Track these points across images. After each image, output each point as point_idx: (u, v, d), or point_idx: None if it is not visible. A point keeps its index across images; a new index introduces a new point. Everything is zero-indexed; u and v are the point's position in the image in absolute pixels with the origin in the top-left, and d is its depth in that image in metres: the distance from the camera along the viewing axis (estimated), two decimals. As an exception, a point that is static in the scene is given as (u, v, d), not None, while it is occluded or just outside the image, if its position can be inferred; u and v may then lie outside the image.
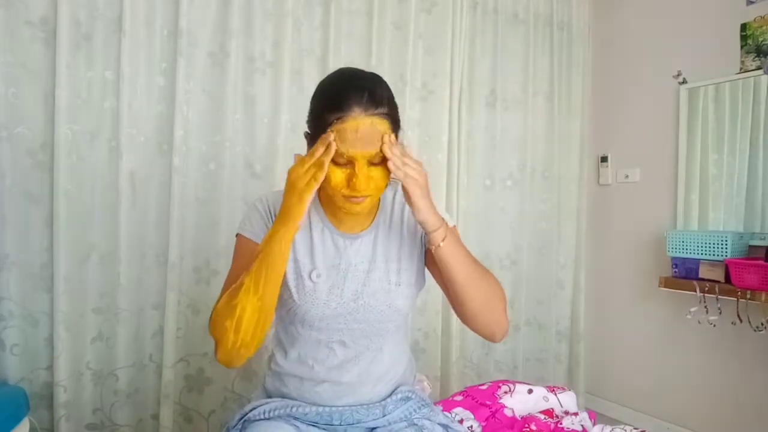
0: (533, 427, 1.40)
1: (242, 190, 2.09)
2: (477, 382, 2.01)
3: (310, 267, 1.11)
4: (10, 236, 1.75)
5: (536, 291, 2.81)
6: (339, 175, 0.99)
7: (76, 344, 1.85)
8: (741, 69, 2.30)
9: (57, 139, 1.77)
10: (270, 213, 1.14)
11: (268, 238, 0.99)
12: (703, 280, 2.25)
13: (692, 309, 2.33)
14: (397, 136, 1.05)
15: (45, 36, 1.77)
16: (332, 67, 2.16)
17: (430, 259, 1.17)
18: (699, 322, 2.36)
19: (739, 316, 2.18)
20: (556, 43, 2.81)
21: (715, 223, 2.43)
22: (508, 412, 1.47)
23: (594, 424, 1.47)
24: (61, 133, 1.77)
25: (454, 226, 1.17)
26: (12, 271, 1.75)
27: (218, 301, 1.05)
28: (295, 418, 1.11)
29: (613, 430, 1.39)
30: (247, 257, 1.07)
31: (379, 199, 1.17)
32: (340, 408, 1.11)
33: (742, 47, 2.30)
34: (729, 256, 2.16)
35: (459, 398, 1.53)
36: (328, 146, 0.96)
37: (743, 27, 2.29)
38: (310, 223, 1.14)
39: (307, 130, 1.09)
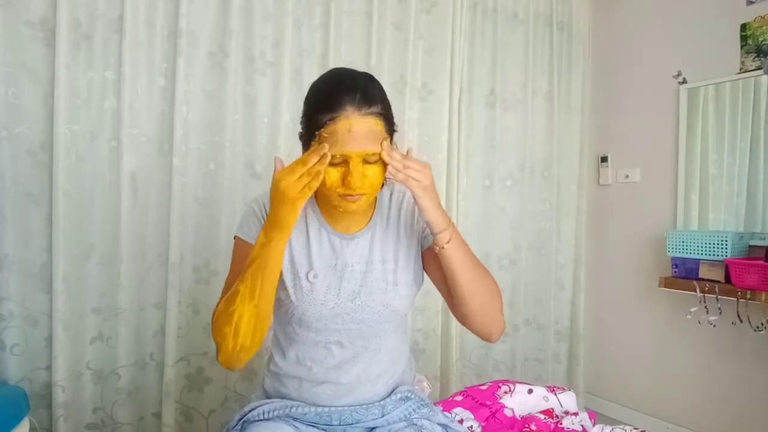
0: (533, 427, 1.40)
1: (242, 190, 2.09)
2: (476, 382, 2.02)
3: (307, 267, 1.11)
4: (10, 236, 1.75)
5: (535, 291, 2.80)
6: (334, 175, 0.99)
7: (75, 344, 1.85)
8: (741, 69, 2.30)
9: (57, 139, 1.76)
10: (266, 215, 1.13)
11: (261, 245, 0.99)
12: (703, 280, 2.25)
13: (692, 309, 2.33)
14: (391, 135, 1.05)
15: (45, 36, 1.77)
16: (332, 66, 2.16)
17: (427, 260, 1.17)
18: (699, 322, 2.36)
19: (739, 316, 2.18)
20: (555, 43, 2.81)
21: (715, 223, 2.43)
22: (508, 413, 1.47)
23: (594, 424, 1.47)
24: (60, 133, 1.77)
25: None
26: (12, 270, 1.75)
27: (218, 305, 1.06)
28: (295, 419, 1.12)
29: (613, 430, 1.39)
30: (245, 260, 1.07)
31: (376, 199, 1.17)
32: (339, 408, 1.11)
33: (742, 47, 2.29)
34: (729, 256, 2.16)
35: (459, 398, 1.53)
36: (323, 156, 0.94)
37: (743, 27, 2.29)
38: (306, 223, 1.14)
39: (302, 131, 1.08)
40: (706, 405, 2.43)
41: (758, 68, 2.23)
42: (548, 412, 1.52)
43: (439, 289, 1.18)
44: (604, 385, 2.88)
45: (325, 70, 1.15)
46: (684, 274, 2.34)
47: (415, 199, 1.00)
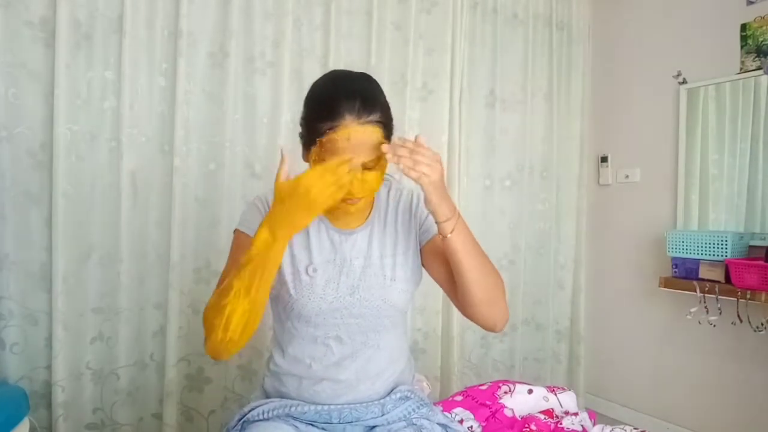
0: (533, 428, 1.40)
1: (242, 190, 2.09)
2: (476, 382, 2.02)
3: (306, 262, 1.12)
4: (10, 236, 1.75)
5: (535, 291, 2.80)
6: None
7: (75, 344, 1.85)
8: (741, 69, 2.30)
9: (57, 139, 1.77)
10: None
11: (266, 244, 0.97)
12: (703, 280, 2.25)
13: (692, 309, 2.33)
14: (389, 140, 1.06)
15: (45, 36, 1.77)
16: (332, 67, 2.17)
17: (425, 256, 1.18)
18: (699, 323, 2.36)
19: (739, 316, 2.18)
20: (555, 43, 2.81)
21: (715, 223, 2.43)
22: (508, 413, 1.47)
23: (594, 424, 1.47)
24: (60, 133, 1.77)
25: None
26: (12, 270, 1.75)
27: (212, 295, 1.06)
28: (294, 418, 1.12)
29: (613, 430, 1.39)
30: (244, 253, 1.08)
31: (374, 197, 1.18)
32: (339, 406, 1.12)
33: (742, 47, 2.29)
34: (729, 256, 2.16)
35: (459, 398, 1.53)
36: (351, 168, 0.97)
37: (743, 27, 2.29)
38: None
39: (302, 132, 1.10)
40: (706, 405, 2.43)
41: (758, 68, 2.23)
42: (548, 412, 1.52)
43: (441, 285, 1.18)
44: (604, 385, 2.88)
45: (325, 70, 1.16)
46: (684, 274, 2.34)
47: (423, 191, 1.00)
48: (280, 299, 1.15)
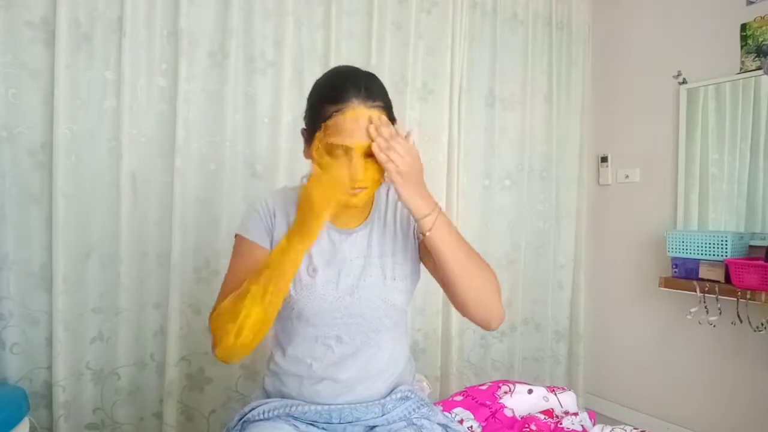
0: (533, 428, 1.40)
1: (243, 190, 2.09)
2: (475, 382, 2.02)
3: (306, 261, 1.12)
4: (10, 236, 1.75)
5: (534, 291, 2.80)
6: (342, 171, 1.01)
7: (75, 344, 1.85)
8: (741, 69, 2.30)
9: (57, 139, 1.76)
10: (271, 214, 1.14)
11: (283, 251, 1.01)
12: (703, 280, 2.25)
13: (692, 309, 2.33)
14: None
15: (45, 36, 1.77)
16: (333, 66, 2.16)
17: (424, 252, 1.18)
18: (699, 323, 2.36)
19: (739, 316, 2.18)
20: (555, 43, 2.81)
21: (715, 223, 2.43)
22: (508, 413, 1.47)
23: (594, 424, 1.47)
24: (60, 133, 1.77)
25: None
26: (12, 270, 1.75)
27: (218, 300, 1.06)
28: (294, 418, 1.12)
29: (613, 430, 1.39)
30: (246, 257, 1.08)
31: (374, 196, 1.18)
32: (339, 406, 1.12)
33: (742, 47, 2.30)
34: (729, 257, 2.16)
35: (459, 398, 1.53)
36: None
37: (743, 27, 2.29)
38: None
39: (305, 127, 1.10)
40: (707, 405, 2.43)
41: (758, 68, 2.24)
42: (548, 412, 1.52)
43: (437, 281, 1.18)
44: (604, 385, 2.88)
45: (325, 70, 1.16)
46: (684, 274, 2.34)
47: (392, 180, 1.00)
48: None
